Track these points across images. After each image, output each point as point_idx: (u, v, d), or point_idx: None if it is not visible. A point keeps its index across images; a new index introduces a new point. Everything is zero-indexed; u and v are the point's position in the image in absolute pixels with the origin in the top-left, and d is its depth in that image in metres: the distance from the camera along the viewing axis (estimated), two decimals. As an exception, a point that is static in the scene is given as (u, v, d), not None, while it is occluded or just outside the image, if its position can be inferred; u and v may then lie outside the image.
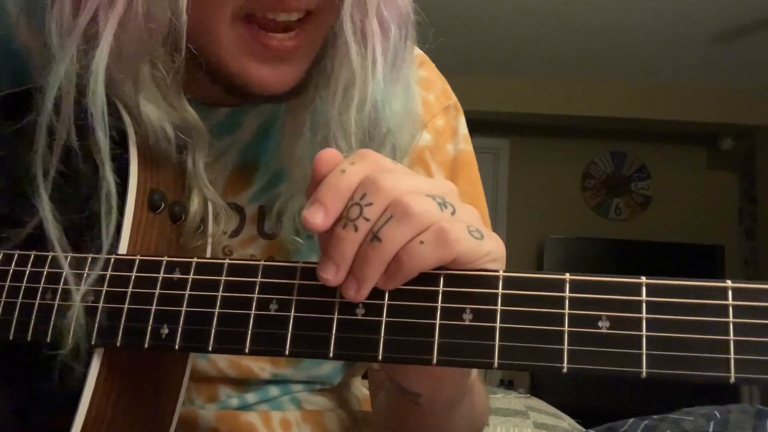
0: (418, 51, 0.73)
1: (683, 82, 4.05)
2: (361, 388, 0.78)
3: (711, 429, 0.58)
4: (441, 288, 0.41)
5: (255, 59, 0.56)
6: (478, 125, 4.12)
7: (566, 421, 1.16)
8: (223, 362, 0.63)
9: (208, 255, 0.58)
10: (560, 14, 3.34)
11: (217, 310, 0.45)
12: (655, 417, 0.63)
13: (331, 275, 0.41)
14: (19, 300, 0.50)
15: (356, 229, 0.41)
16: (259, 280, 0.45)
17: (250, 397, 0.65)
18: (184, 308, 0.46)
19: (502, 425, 1.08)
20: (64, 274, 0.49)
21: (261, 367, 0.63)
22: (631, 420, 0.63)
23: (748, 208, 4.37)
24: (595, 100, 4.12)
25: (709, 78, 3.98)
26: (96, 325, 0.47)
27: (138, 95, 0.55)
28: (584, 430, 0.82)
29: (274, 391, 0.66)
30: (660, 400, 1.46)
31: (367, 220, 0.41)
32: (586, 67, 3.96)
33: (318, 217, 0.41)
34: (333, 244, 0.41)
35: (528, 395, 1.27)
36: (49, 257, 0.50)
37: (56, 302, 0.49)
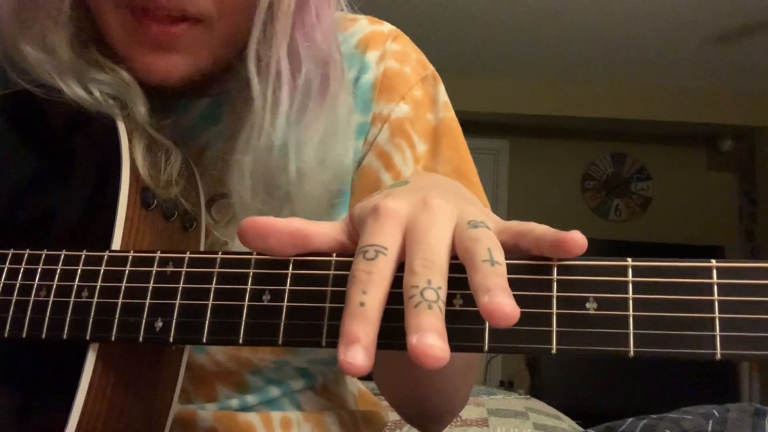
0: (390, 26, 0.71)
1: (683, 83, 4.06)
2: (356, 383, 0.78)
3: (710, 428, 0.58)
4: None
5: (140, 45, 0.55)
6: (478, 126, 4.15)
7: (566, 422, 1.16)
8: (221, 356, 0.62)
9: (202, 248, 0.58)
10: (561, 15, 3.35)
11: (210, 302, 0.45)
12: (654, 416, 0.62)
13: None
14: (14, 297, 0.50)
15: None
16: (251, 271, 0.45)
17: (250, 398, 0.64)
18: (177, 301, 0.46)
19: (502, 426, 1.07)
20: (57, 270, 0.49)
21: (260, 357, 0.63)
22: (630, 419, 0.63)
23: (748, 208, 4.37)
24: (595, 101, 4.13)
25: (709, 79, 3.98)
26: (90, 320, 0.47)
27: (56, 71, 0.56)
28: (584, 431, 0.82)
29: (274, 391, 0.65)
30: (659, 400, 1.46)
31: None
32: (586, 69, 3.97)
33: (358, 358, 0.34)
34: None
35: (528, 396, 1.27)
36: (43, 255, 0.51)
37: (51, 299, 0.49)
